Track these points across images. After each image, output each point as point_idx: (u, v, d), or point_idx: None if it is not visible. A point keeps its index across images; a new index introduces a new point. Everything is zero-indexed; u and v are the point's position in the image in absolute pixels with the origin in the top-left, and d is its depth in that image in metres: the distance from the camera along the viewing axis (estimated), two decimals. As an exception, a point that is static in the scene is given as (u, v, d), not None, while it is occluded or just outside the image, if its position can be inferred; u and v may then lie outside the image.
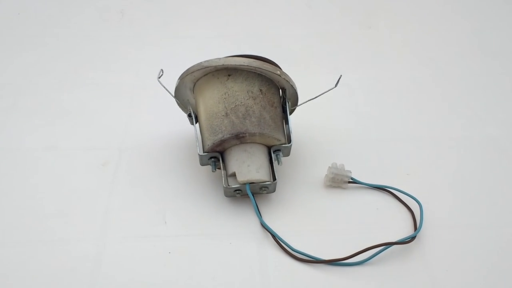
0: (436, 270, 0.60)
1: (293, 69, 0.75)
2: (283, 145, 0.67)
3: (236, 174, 0.64)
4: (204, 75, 0.68)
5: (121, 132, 0.80)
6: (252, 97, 0.66)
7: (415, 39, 1.07)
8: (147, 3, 1.19)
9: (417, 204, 0.67)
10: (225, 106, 0.65)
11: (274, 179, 0.66)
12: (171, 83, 0.70)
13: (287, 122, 0.70)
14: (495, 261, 0.61)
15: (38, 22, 1.11)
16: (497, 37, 1.08)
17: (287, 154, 0.69)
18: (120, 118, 0.83)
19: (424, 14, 1.17)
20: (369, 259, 0.60)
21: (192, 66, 0.66)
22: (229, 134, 0.64)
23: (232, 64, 0.65)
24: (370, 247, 0.61)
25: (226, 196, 0.67)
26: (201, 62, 0.66)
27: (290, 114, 0.72)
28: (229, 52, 0.71)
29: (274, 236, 0.63)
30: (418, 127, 0.82)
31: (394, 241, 0.62)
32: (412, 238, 0.62)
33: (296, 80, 0.70)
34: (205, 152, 0.66)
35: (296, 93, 0.70)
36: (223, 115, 0.65)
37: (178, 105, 0.74)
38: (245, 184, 0.64)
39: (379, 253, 0.61)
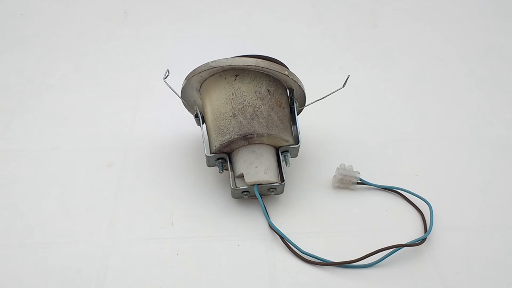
0: (447, 272, 0.59)
1: (300, 69, 0.75)
2: (291, 146, 0.67)
3: (244, 176, 0.64)
4: (211, 76, 0.67)
5: (126, 132, 0.79)
6: (260, 97, 0.65)
7: (422, 38, 1.07)
8: (151, 3, 1.19)
9: (426, 205, 0.66)
10: (232, 107, 0.64)
11: (282, 180, 0.65)
12: (177, 83, 0.69)
13: (295, 122, 0.69)
14: (507, 262, 0.60)
15: (41, 23, 1.10)
16: (506, 36, 1.07)
17: (295, 155, 0.68)
18: (126, 118, 0.82)
19: (430, 12, 1.16)
20: (379, 262, 0.60)
21: (199, 67, 0.66)
22: (237, 135, 0.63)
23: (239, 64, 0.64)
24: (380, 249, 0.60)
25: (233, 198, 0.67)
26: (208, 63, 0.65)
27: (298, 114, 0.71)
28: (235, 52, 0.71)
29: (283, 238, 0.62)
30: (427, 127, 0.82)
31: (404, 243, 0.61)
32: (422, 240, 0.61)
33: (303, 80, 0.70)
34: (213, 153, 0.66)
35: (304, 93, 0.70)
36: (230, 116, 0.64)
37: (185, 105, 0.74)
38: (253, 185, 0.64)
39: (389, 255, 0.60)
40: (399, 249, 0.60)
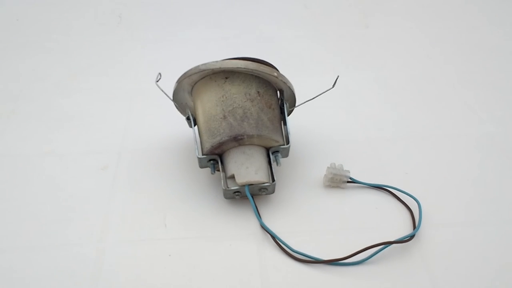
0: (435, 268, 0.60)
1: (291, 70, 0.76)
2: (282, 146, 0.67)
3: (235, 176, 0.65)
4: (202, 78, 0.68)
5: (120, 136, 0.80)
6: (250, 99, 0.66)
7: (412, 38, 1.08)
8: (145, 7, 1.20)
9: (415, 202, 0.67)
10: (222, 109, 0.65)
11: (273, 180, 0.66)
12: (170, 86, 0.70)
13: (285, 123, 0.70)
14: (494, 258, 0.61)
15: (37, 28, 1.11)
16: (494, 35, 1.08)
17: (285, 155, 0.69)
18: (119, 121, 0.83)
19: (420, 13, 1.17)
20: (368, 259, 0.60)
21: (189, 70, 0.67)
22: (227, 137, 0.64)
23: (229, 67, 0.65)
24: (369, 246, 0.61)
25: (225, 198, 0.68)
26: (198, 65, 0.66)
27: (288, 115, 0.72)
28: (228, 55, 0.72)
29: (274, 237, 0.63)
30: (416, 126, 0.83)
31: (393, 240, 0.62)
32: (411, 237, 0.62)
33: (294, 81, 0.70)
34: (204, 155, 0.67)
35: (294, 94, 0.71)
36: (221, 118, 0.65)
37: (177, 108, 0.75)
38: (244, 185, 0.65)
39: (378, 252, 0.61)
40: (388, 246, 0.61)
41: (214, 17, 1.16)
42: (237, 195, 0.66)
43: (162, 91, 0.70)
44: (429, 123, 0.83)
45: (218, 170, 0.68)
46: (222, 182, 0.66)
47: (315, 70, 0.97)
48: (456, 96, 0.90)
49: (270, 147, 0.67)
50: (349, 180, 0.70)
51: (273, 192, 0.67)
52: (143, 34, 1.10)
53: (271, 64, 0.69)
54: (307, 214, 0.67)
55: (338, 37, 1.08)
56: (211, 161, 0.67)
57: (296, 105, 0.73)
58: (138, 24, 1.14)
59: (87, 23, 1.14)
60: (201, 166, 0.68)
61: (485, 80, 0.94)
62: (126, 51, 1.04)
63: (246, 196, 0.65)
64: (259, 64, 0.66)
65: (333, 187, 0.71)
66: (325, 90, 0.69)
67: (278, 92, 0.71)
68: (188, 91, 0.71)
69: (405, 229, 0.65)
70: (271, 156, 0.67)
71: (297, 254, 0.61)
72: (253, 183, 0.65)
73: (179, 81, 0.69)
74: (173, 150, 0.77)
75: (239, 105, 0.65)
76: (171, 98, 0.72)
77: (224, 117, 0.65)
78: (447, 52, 1.02)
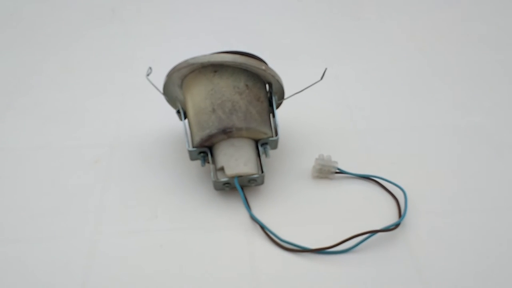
0: (420, 256, 0.61)
1: (282, 62, 0.77)
2: (270, 138, 0.69)
3: (225, 168, 0.66)
4: (191, 72, 0.69)
5: (112, 129, 0.81)
6: (238, 92, 0.67)
7: (402, 30, 1.08)
8: (137, 1, 1.20)
9: (402, 192, 0.68)
10: (211, 102, 0.66)
11: (262, 171, 0.68)
12: (161, 80, 0.71)
13: (274, 115, 0.71)
14: (478, 246, 0.63)
15: (30, 22, 1.12)
16: (484, 26, 1.09)
17: (274, 147, 0.70)
18: (112, 115, 0.84)
19: (412, 5, 1.18)
20: (355, 247, 0.62)
21: (178, 64, 0.68)
22: (216, 129, 0.65)
23: (217, 60, 0.66)
24: (356, 235, 0.62)
25: (215, 190, 0.69)
26: (187, 59, 0.67)
27: (277, 107, 0.73)
28: (220, 48, 0.73)
29: (263, 227, 0.64)
30: (404, 117, 0.84)
31: (379, 228, 0.63)
32: (396, 226, 0.64)
33: (283, 73, 0.71)
34: (194, 147, 0.68)
35: (282, 87, 0.72)
36: (210, 111, 0.66)
37: (168, 101, 0.76)
38: (233, 177, 0.66)
39: (364, 240, 0.62)
40: (374, 234, 0.63)
41: (206, 10, 1.17)
42: (226, 186, 0.68)
43: (153, 85, 0.71)
44: (416, 114, 0.84)
45: (208, 162, 0.69)
46: (212, 174, 0.67)
47: (305, 62, 0.98)
48: (443, 86, 0.91)
49: (259, 139, 0.68)
50: (337, 171, 0.72)
51: (262, 183, 0.69)
52: (136, 28, 1.10)
53: (259, 58, 0.70)
54: (296, 205, 0.68)
55: (329, 29, 1.09)
56: (201, 154, 0.68)
57: (285, 97, 0.74)
58: (131, 18, 1.14)
59: (80, 17, 1.14)
60: (192, 159, 0.69)
61: (473, 72, 0.95)
62: (119, 45, 1.05)
63: (236, 187, 0.66)
64: (247, 57, 0.67)
65: (321, 178, 0.72)
66: (313, 82, 0.70)
67: (266, 85, 0.72)
68: (178, 84, 0.72)
69: (391, 218, 0.66)
70: (260, 148, 0.69)
71: (286, 244, 0.63)
72: (242, 174, 0.66)
73: (169, 75, 0.70)
74: (164, 143, 0.78)
75: (228, 98, 0.66)
76: (162, 91, 0.73)
77: (213, 110, 0.66)
78: (437, 44, 1.03)
